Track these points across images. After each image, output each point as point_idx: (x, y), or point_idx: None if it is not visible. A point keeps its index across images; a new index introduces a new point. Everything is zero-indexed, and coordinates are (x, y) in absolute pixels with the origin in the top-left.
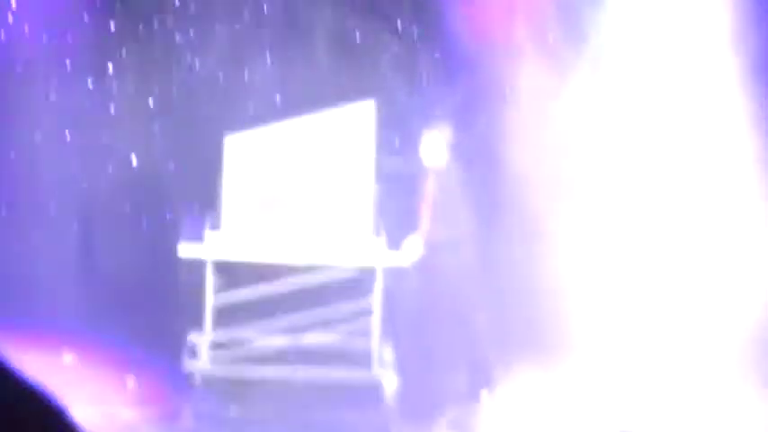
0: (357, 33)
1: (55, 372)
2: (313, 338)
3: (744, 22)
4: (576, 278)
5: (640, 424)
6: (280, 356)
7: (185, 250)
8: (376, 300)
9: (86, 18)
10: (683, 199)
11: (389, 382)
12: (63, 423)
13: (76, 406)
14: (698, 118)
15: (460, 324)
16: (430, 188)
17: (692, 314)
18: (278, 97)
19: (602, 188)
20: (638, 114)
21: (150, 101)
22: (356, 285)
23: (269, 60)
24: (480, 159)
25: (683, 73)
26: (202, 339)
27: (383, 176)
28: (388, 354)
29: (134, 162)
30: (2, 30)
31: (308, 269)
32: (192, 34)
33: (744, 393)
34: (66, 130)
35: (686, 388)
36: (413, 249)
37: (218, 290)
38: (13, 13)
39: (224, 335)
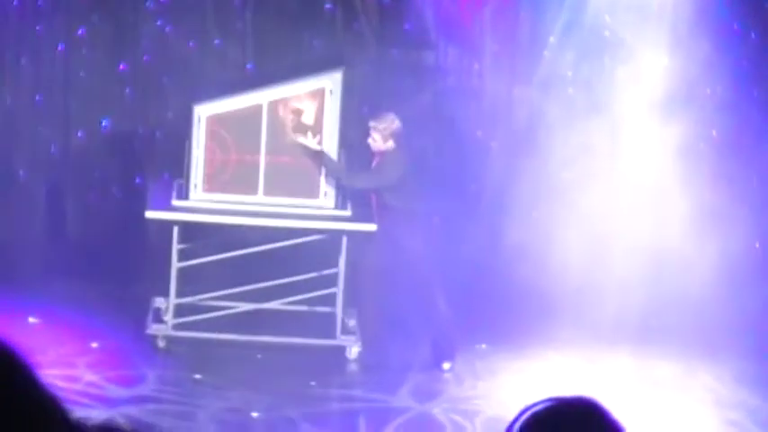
0: (328, 3)
1: (19, 334)
2: (277, 305)
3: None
4: (537, 253)
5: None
6: (244, 322)
7: (152, 215)
8: (340, 267)
9: None
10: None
11: (353, 350)
12: (26, 376)
13: (40, 368)
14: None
15: (423, 294)
16: (388, 159)
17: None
18: (248, 66)
19: (558, 163)
20: (600, 101)
21: (120, 66)
22: (321, 253)
23: (240, 29)
24: (443, 132)
25: (648, 69)
26: (167, 304)
27: (348, 145)
28: (352, 321)
29: (103, 127)
30: None
31: (274, 236)
32: (163, 1)
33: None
34: (36, 95)
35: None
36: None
37: (184, 255)
38: None
39: (189, 300)
